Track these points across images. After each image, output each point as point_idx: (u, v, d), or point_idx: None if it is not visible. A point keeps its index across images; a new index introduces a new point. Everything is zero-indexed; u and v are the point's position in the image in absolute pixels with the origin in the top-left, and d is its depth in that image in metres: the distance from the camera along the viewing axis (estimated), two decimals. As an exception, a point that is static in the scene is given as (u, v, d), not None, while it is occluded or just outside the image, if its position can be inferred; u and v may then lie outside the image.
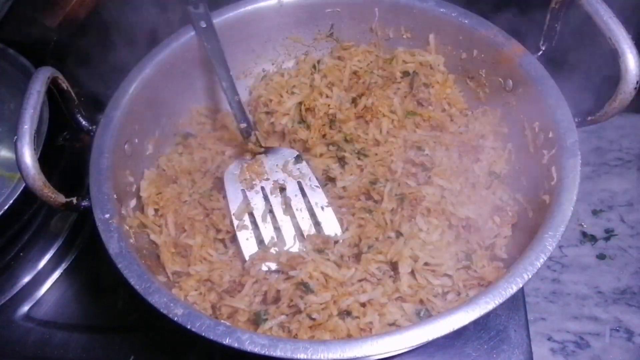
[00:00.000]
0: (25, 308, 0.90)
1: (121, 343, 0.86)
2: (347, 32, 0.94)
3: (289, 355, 0.57)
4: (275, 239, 0.78)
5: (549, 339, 0.88)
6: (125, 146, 0.79)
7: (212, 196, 0.83)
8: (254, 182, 0.83)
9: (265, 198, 0.81)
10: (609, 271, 0.91)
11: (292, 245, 0.78)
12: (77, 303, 0.91)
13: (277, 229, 0.79)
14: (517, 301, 0.84)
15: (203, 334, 0.60)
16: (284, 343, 0.58)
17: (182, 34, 0.86)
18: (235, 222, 0.79)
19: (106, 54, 0.91)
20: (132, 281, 0.65)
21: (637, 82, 0.64)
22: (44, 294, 0.91)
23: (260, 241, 0.78)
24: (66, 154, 0.97)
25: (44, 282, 0.92)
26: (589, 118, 0.70)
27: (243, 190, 0.82)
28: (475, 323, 0.82)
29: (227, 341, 0.59)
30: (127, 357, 0.85)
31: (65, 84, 0.73)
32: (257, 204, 0.81)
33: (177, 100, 0.91)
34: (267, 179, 0.83)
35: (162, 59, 0.85)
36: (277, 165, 0.84)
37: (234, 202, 0.81)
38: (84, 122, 0.78)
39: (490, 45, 0.81)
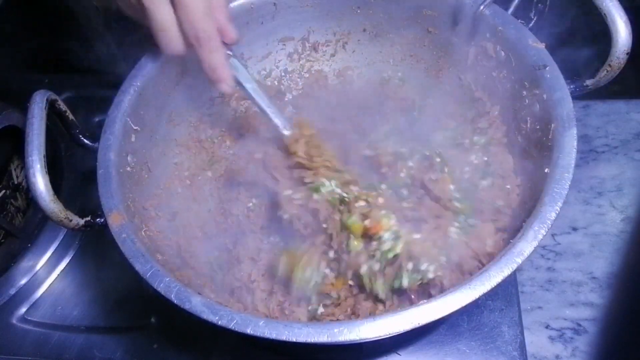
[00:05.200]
0: (22, 310, 0.91)
1: (118, 344, 0.87)
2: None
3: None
4: None
5: (547, 327, 0.87)
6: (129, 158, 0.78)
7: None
8: None
9: None
10: (602, 257, 0.91)
11: None
12: (74, 304, 0.91)
13: None
14: (511, 297, 0.85)
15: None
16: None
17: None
18: None
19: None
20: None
21: (628, 47, 0.65)
22: (41, 296, 0.92)
23: None
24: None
25: (41, 284, 0.93)
26: (585, 84, 0.70)
27: None
28: (469, 320, 0.83)
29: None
30: (125, 358, 0.85)
31: (63, 107, 0.74)
32: None
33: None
34: None
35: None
36: None
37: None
38: (86, 141, 0.77)
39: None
